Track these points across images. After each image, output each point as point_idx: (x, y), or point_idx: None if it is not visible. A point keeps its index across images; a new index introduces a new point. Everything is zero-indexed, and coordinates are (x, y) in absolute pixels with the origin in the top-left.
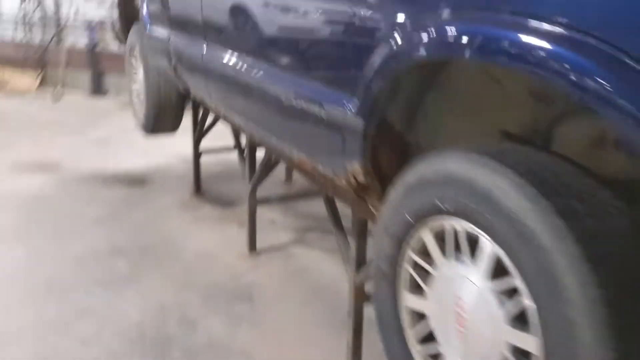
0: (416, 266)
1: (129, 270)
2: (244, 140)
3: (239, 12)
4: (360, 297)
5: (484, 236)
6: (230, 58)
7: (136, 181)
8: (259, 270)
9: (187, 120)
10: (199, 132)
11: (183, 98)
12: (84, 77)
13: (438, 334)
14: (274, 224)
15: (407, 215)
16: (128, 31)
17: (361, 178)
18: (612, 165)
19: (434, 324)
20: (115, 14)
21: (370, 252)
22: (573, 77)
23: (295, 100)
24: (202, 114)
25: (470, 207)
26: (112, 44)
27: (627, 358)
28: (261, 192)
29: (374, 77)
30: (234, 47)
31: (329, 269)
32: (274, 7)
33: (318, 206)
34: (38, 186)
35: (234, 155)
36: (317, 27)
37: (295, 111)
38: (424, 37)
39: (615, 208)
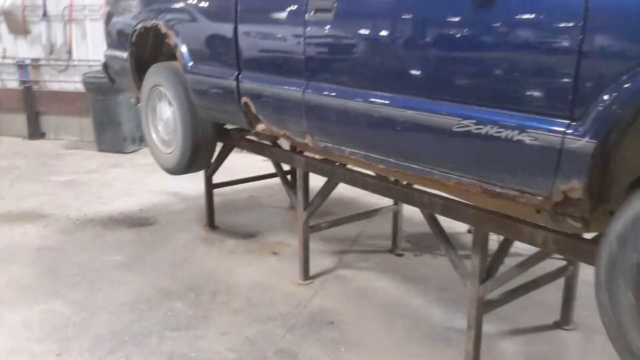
0: None
1: (192, 310)
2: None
3: (387, 51)
4: (481, 308)
5: None
6: (355, 94)
7: (139, 222)
8: (321, 296)
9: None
10: (214, 167)
11: (218, 134)
12: (18, 120)
13: None
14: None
15: None
16: (139, 70)
17: (578, 194)
18: None
19: None
20: (119, 54)
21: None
22: None
23: (479, 129)
24: (220, 150)
25: None
26: (50, 84)
27: None
28: (264, 220)
29: (616, 105)
30: (364, 84)
31: (385, 286)
32: (467, 40)
33: (337, 229)
34: (36, 237)
35: (227, 188)
36: (539, 63)
37: (476, 139)
38: None
39: None
